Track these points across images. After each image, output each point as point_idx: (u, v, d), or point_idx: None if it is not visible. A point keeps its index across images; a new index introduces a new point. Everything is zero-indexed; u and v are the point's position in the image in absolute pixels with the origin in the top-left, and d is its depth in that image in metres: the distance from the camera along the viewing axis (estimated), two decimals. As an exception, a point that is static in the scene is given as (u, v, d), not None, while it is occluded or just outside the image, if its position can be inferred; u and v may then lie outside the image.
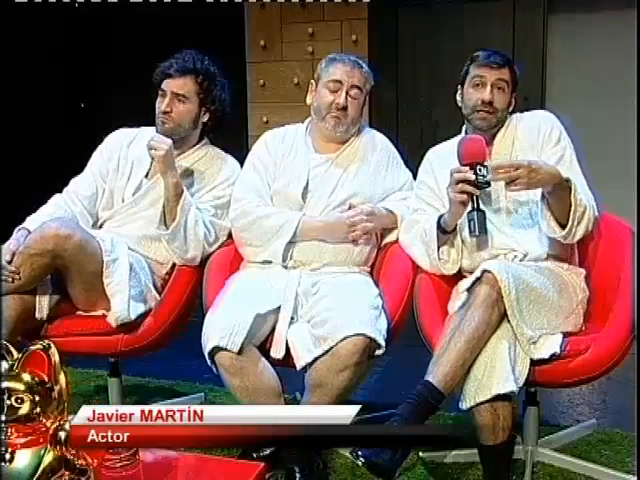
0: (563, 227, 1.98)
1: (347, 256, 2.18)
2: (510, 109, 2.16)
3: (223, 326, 1.90)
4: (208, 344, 1.91)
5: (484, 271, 1.85)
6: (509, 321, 1.83)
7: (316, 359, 1.90)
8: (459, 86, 2.19)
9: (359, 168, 2.25)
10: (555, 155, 2.08)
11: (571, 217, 1.95)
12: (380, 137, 2.36)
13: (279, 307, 2.03)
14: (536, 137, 2.12)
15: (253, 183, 2.26)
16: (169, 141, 2.23)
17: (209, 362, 1.95)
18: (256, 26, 4.33)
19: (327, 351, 1.87)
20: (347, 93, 2.18)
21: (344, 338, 1.85)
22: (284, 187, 2.23)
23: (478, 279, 1.86)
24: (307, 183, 2.22)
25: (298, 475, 1.95)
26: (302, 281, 2.10)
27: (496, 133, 2.16)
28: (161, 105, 2.29)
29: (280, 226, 2.15)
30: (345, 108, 2.18)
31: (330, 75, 2.20)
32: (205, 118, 2.36)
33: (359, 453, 1.68)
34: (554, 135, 2.11)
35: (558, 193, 1.94)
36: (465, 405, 1.80)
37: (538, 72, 3.99)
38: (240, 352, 1.88)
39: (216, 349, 1.89)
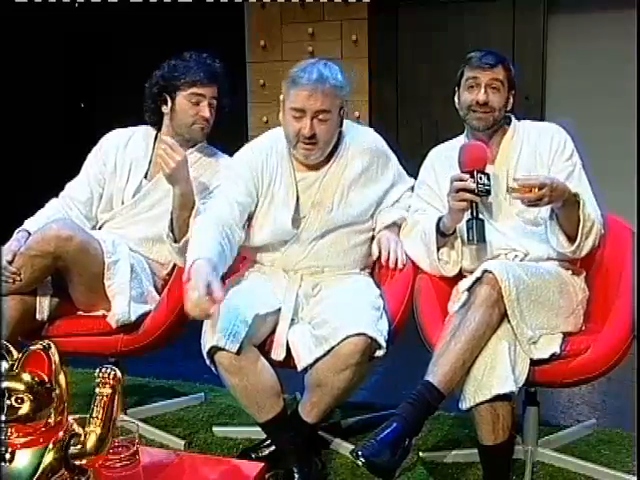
0: (571, 242, 1.98)
1: (348, 259, 2.17)
2: (508, 107, 2.15)
3: (222, 326, 1.89)
4: (207, 344, 1.90)
5: (485, 271, 1.85)
6: (509, 321, 1.83)
7: (317, 359, 1.89)
8: (456, 88, 2.19)
9: (351, 184, 2.13)
10: (566, 169, 2.07)
11: (580, 232, 1.95)
12: (362, 136, 2.20)
13: (279, 309, 2.03)
14: (547, 148, 2.11)
15: (228, 195, 2.09)
16: (180, 156, 2.14)
17: (208, 362, 1.95)
18: (256, 26, 4.33)
19: (328, 351, 1.87)
20: (312, 120, 1.99)
21: (345, 338, 1.85)
22: (272, 214, 2.11)
23: (479, 279, 1.86)
24: (298, 209, 2.11)
25: (297, 475, 1.96)
26: (303, 283, 2.10)
27: (499, 135, 2.16)
28: (201, 111, 2.26)
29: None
30: (313, 136, 2.01)
31: (292, 102, 2.01)
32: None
33: (359, 453, 1.68)
34: (567, 150, 2.11)
35: (568, 208, 1.94)
36: (465, 405, 1.80)
37: (538, 72, 3.98)
38: (239, 352, 1.88)
39: (215, 349, 1.89)
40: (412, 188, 2.29)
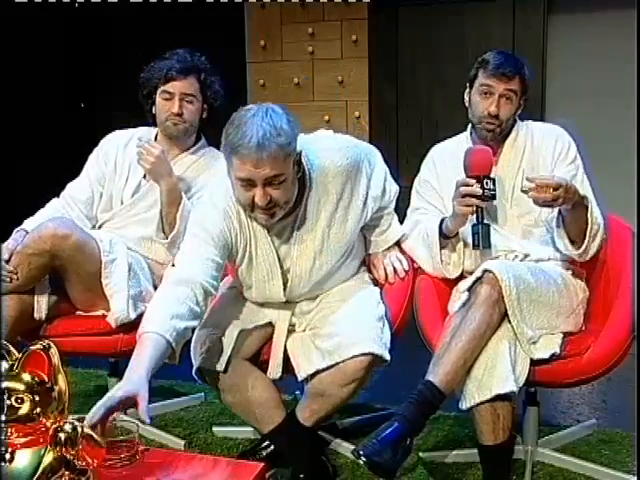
0: (576, 245, 1.97)
1: (345, 277, 2.06)
2: (518, 113, 2.13)
3: (207, 346, 1.87)
4: (195, 364, 1.89)
5: (485, 271, 1.85)
6: (510, 321, 1.83)
7: (318, 370, 1.86)
8: (467, 85, 2.15)
9: (329, 223, 1.91)
10: (569, 173, 2.06)
11: (587, 234, 1.94)
12: (326, 161, 1.88)
13: (269, 322, 1.99)
14: (551, 151, 2.10)
15: (200, 251, 1.83)
16: (158, 151, 2.18)
17: (200, 381, 1.93)
18: (256, 26, 4.32)
19: (332, 365, 1.83)
20: (265, 187, 1.71)
21: (351, 357, 1.81)
22: (259, 290, 1.96)
23: (479, 279, 1.86)
24: (280, 266, 1.93)
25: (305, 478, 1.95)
26: (298, 303, 2.02)
27: (504, 138, 2.14)
28: (171, 107, 2.26)
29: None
30: (270, 202, 1.74)
31: (237, 171, 1.71)
32: (204, 115, 2.36)
33: (360, 452, 1.67)
34: (571, 153, 2.10)
35: (576, 211, 1.94)
36: (465, 405, 1.80)
37: (538, 72, 3.98)
38: (227, 369, 1.86)
39: (203, 369, 1.88)
40: (392, 174, 2.12)
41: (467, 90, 2.16)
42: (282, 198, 1.75)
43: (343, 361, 1.81)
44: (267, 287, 1.94)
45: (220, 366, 1.85)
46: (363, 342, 1.82)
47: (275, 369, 1.94)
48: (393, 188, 2.10)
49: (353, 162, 1.91)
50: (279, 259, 1.91)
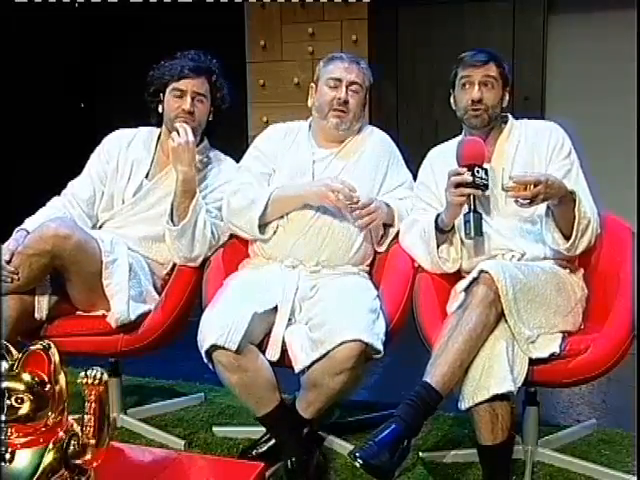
0: (566, 239, 1.98)
1: (345, 254, 2.17)
2: (504, 104, 2.15)
3: (221, 324, 1.89)
4: (205, 342, 1.90)
5: (481, 271, 1.85)
6: (507, 321, 1.83)
7: (313, 362, 1.89)
8: (451, 90, 2.19)
9: (360, 163, 2.25)
10: (564, 168, 2.07)
11: (575, 229, 1.95)
12: (382, 135, 2.37)
13: (276, 307, 2.03)
14: (545, 146, 2.11)
15: (251, 169, 2.28)
16: (191, 138, 2.21)
17: (206, 360, 1.94)
18: (256, 26, 4.33)
19: (324, 355, 1.86)
20: (347, 88, 2.20)
21: (341, 343, 1.83)
22: (289, 180, 2.23)
23: (475, 279, 1.86)
24: (312, 176, 2.22)
25: (297, 465, 1.95)
26: (300, 284, 2.09)
27: (497, 133, 2.15)
28: (183, 104, 2.26)
29: (253, 199, 2.18)
30: (347, 102, 2.20)
31: (329, 73, 2.24)
32: (210, 117, 2.37)
33: (357, 455, 1.67)
34: (565, 147, 2.11)
35: (564, 206, 1.94)
36: (464, 405, 1.80)
37: (538, 72, 3.99)
38: (238, 350, 1.88)
39: (213, 347, 1.89)
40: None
41: (452, 95, 2.20)
42: (354, 108, 2.24)
43: (333, 349, 1.84)
44: (294, 183, 2.20)
45: (233, 346, 1.86)
46: (352, 329, 1.85)
47: (274, 349, 1.97)
48: (409, 193, 2.28)
49: (393, 149, 2.35)
50: (313, 170, 2.25)
